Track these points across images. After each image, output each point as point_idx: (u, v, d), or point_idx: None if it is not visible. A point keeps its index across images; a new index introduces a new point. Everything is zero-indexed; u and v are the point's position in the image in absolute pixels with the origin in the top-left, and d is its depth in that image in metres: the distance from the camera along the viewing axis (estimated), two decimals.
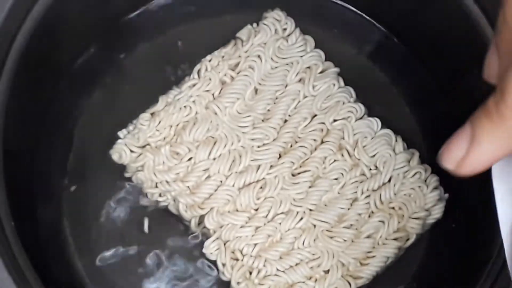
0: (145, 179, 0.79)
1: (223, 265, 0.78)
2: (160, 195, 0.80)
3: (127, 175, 0.82)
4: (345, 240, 0.79)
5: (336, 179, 0.79)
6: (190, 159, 0.79)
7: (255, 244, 0.78)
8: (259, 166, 0.79)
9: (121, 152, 0.79)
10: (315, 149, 0.79)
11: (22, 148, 0.80)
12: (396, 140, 0.82)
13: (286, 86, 0.82)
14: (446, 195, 0.83)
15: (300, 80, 0.82)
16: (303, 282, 0.78)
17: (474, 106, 0.83)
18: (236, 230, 0.78)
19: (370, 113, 0.82)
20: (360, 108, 0.81)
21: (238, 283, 0.77)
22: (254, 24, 0.83)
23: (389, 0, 0.86)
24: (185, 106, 0.80)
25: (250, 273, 0.78)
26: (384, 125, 0.82)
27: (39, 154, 0.83)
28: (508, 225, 0.50)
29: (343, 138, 0.80)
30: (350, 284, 0.78)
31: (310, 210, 0.79)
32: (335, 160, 0.80)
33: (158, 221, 0.83)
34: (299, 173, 0.79)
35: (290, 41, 0.82)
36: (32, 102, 0.80)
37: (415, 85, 0.88)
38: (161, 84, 0.85)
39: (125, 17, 0.88)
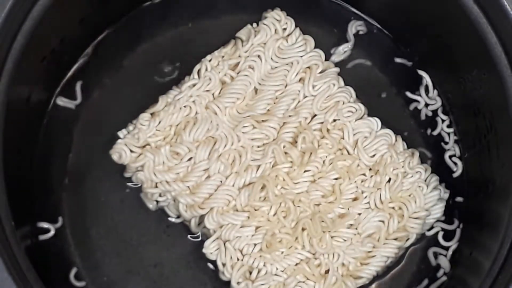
0: (145, 179, 0.79)
1: (223, 265, 0.78)
2: (160, 195, 0.80)
3: (127, 175, 0.82)
4: (345, 240, 0.79)
5: (336, 179, 0.79)
6: (190, 159, 0.79)
7: (255, 244, 0.78)
8: (259, 166, 0.79)
9: (121, 152, 0.79)
10: (315, 149, 0.79)
11: (22, 148, 0.80)
12: (396, 140, 0.82)
13: (286, 86, 0.82)
14: (446, 194, 0.83)
15: (300, 80, 0.82)
16: (303, 282, 0.78)
17: (473, 105, 0.84)
18: (236, 230, 0.78)
19: (370, 113, 0.82)
20: (360, 108, 0.81)
21: (238, 283, 0.77)
22: (254, 24, 0.83)
23: (390, 2, 0.86)
24: (185, 106, 0.80)
25: (250, 272, 0.78)
26: (384, 125, 0.82)
27: (39, 154, 0.83)
28: None
29: (343, 138, 0.80)
30: (350, 284, 0.78)
31: (311, 209, 0.79)
32: (335, 160, 0.80)
33: (157, 221, 0.83)
34: (299, 173, 0.79)
35: (290, 41, 0.82)
36: (32, 102, 0.80)
37: (415, 85, 0.88)
38: (161, 84, 0.85)
39: (124, 17, 0.88)
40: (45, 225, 0.82)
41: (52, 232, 0.82)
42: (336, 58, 0.87)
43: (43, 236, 0.81)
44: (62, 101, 0.85)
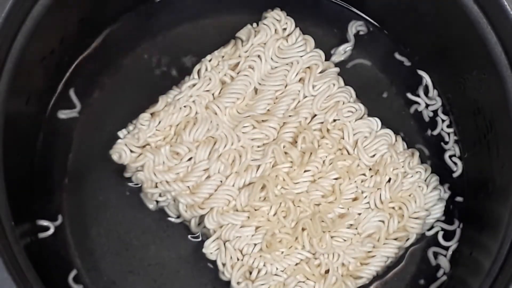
0: (145, 179, 0.79)
1: (223, 265, 0.78)
2: (160, 195, 0.80)
3: (127, 175, 0.82)
4: (345, 240, 0.79)
5: (336, 179, 0.79)
6: (190, 159, 0.79)
7: (255, 244, 0.78)
8: (259, 166, 0.79)
9: (121, 152, 0.79)
10: (315, 149, 0.79)
11: (22, 149, 0.80)
12: (396, 140, 0.82)
13: (286, 86, 0.82)
14: (446, 194, 0.83)
15: (300, 80, 0.82)
16: (303, 282, 0.78)
17: (473, 105, 0.84)
18: (236, 230, 0.78)
19: (370, 113, 0.82)
20: (360, 108, 0.81)
21: (238, 283, 0.77)
22: (254, 24, 0.83)
23: (390, 2, 0.86)
24: (185, 106, 0.80)
25: (250, 272, 0.78)
26: (384, 125, 0.82)
27: (39, 154, 0.83)
28: None
29: (343, 138, 0.80)
30: (350, 284, 0.78)
31: (311, 209, 0.79)
32: (335, 160, 0.80)
33: (158, 221, 0.83)
34: (299, 173, 0.79)
35: (290, 41, 0.82)
36: (32, 102, 0.80)
37: (415, 85, 0.88)
38: (161, 84, 0.85)
39: (124, 17, 0.88)
40: (45, 223, 0.82)
41: (51, 231, 0.82)
42: (336, 58, 0.87)
43: (42, 235, 0.81)
44: (63, 114, 0.85)
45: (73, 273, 0.81)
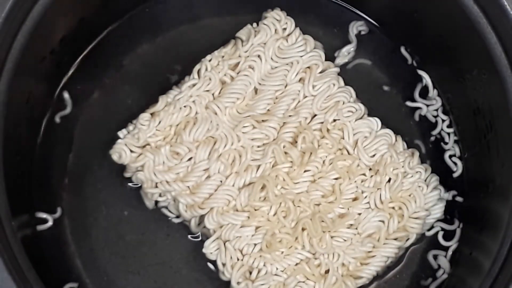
0: (145, 179, 0.79)
1: (223, 265, 0.78)
2: (160, 195, 0.80)
3: (127, 175, 0.82)
4: (345, 240, 0.79)
5: (336, 179, 0.79)
6: (190, 159, 0.79)
7: (255, 244, 0.78)
8: (259, 166, 0.79)
9: (121, 152, 0.79)
10: (315, 149, 0.79)
11: (22, 148, 0.80)
12: (396, 140, 0.82)
13: (286, 86, 0.82)
14: (446, 194, 0.83)
15: (300, 80, 0.82)
16: (303, 282, 0.78)
17: (473, 105, 0.84)
18: (236, 230, 0.78)
19: (370, 113, 0.82)
20: (360, 108, 0.81)
21: (238, 283, 0.77)
22: (254, 24, 0.83)
23: (390, 2, 0.86)
24: (185, 106, 0.80)
25: (250, 272, 0.78)
26: (384, 125, 0.82)
27: (39, 154, 0.83)
28: None
29: (343, 138, 0.80)
30: (350, 284, 0.78)
31: (311, 209, 0.79)
32: (335, 160, 0.80)
33: (158, 221, 0.83)
34: (299, 173, 0.79)
35: (290, 41, 0.82)
36: (32, 102, 0.80)
37: (415, 85, 0.88)
38: (161, 84, 0.85)
39: (125, 18, 0.88)
40: (43, 216, 0.82)
41: (50, 224, 0.82)
42: (340, 60, 0.87)
43: (41, 227, 0.81)
44: (63, 114, 0.85)
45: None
